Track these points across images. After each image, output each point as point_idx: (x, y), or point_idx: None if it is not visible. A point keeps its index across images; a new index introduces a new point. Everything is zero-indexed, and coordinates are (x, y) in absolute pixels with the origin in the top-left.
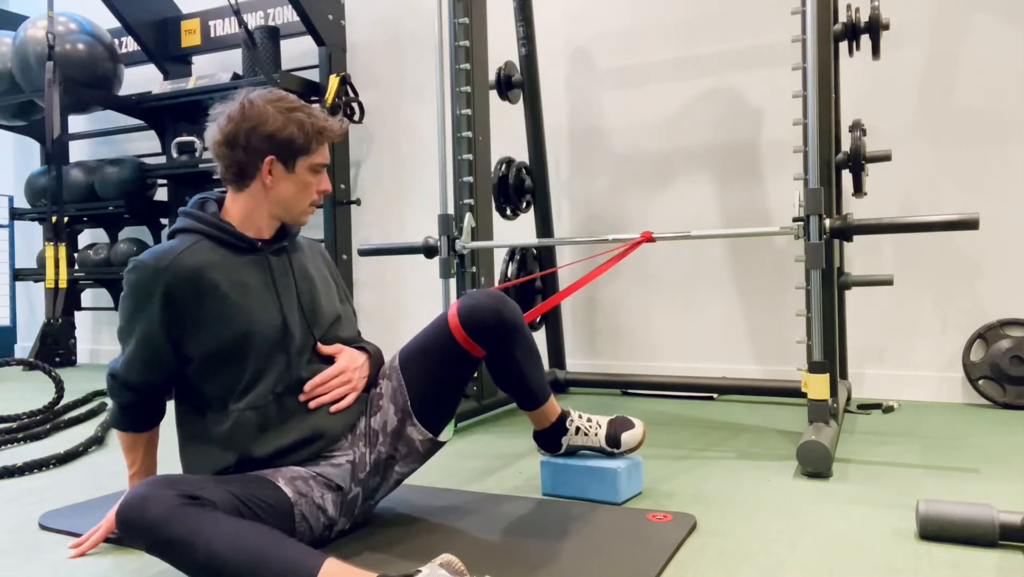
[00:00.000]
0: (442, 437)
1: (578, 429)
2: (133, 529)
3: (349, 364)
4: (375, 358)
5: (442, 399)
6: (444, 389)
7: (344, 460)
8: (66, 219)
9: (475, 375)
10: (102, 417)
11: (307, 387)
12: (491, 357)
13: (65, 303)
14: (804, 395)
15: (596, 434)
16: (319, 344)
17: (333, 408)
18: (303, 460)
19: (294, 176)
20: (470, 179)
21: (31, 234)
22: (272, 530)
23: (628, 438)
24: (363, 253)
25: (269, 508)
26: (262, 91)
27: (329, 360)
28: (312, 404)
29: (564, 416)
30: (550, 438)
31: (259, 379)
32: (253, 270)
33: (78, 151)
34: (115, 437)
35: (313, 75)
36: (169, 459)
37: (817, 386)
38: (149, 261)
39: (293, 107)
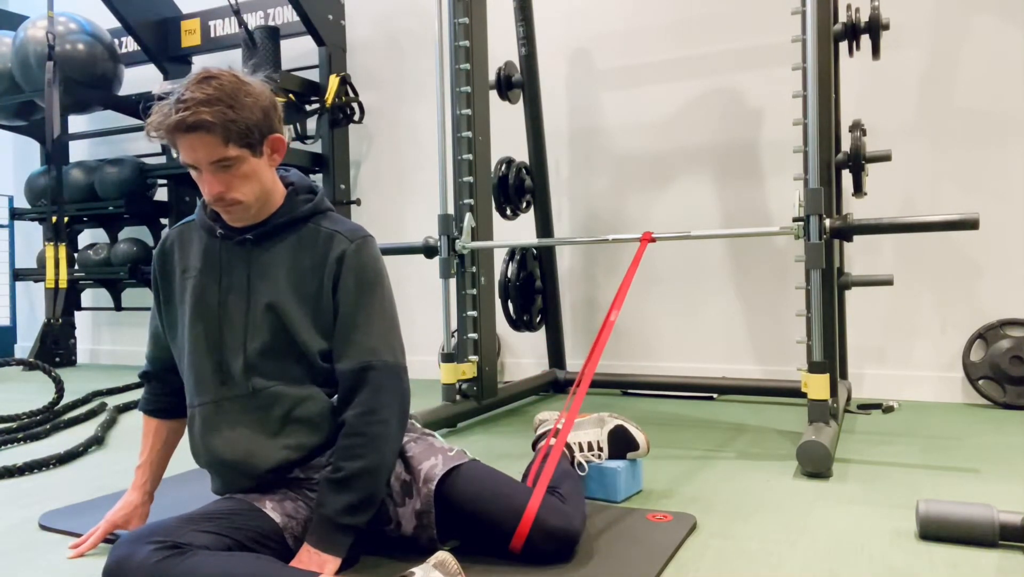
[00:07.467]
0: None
1: (580, 465)
2: None
3: None
4: None
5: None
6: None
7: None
8: (66, 219)
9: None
10: (102, 417)
11: None
12: None
13: (65, 303)
14: (804, 395)
15: (599, 458)
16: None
17: None
18: (268, 485)
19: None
20: (470, 179)
21: (31, 234)
22: (260, 558)
23: (633, 457)
24: None
25: (259, 536)
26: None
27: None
28: None
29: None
30: None
31: (194, 372)
32: (213, 254)
33: (78, 151)
34: (115, 437)
35: (313, 75)
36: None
37: (817, 386)
38: None
39: (175, 99)
